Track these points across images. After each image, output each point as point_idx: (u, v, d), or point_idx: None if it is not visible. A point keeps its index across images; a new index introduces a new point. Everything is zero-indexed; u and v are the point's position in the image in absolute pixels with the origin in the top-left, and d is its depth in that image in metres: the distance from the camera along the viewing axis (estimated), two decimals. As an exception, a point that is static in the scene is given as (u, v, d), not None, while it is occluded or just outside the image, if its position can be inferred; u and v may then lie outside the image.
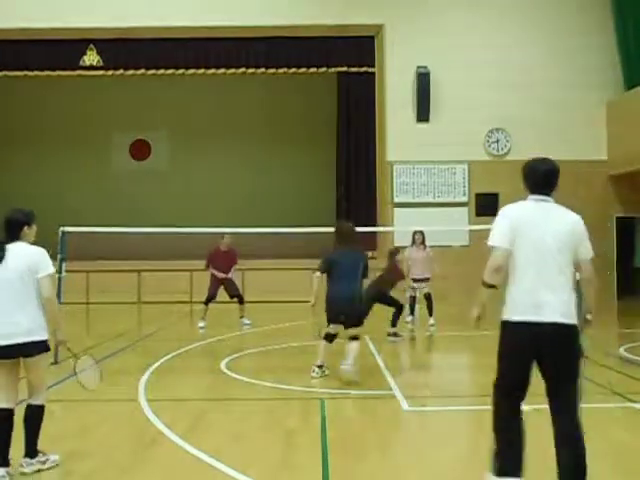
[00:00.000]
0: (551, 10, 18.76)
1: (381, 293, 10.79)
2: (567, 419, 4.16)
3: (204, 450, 5.38)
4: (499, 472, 4.22)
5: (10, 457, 4.82)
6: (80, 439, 5.41)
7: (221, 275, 13.19)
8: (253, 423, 6.37)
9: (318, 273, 7.80)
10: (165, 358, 9.67)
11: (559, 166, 4.43)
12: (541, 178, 4.37)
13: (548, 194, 4.35)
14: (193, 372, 8.83)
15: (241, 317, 13.37)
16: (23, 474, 4.87)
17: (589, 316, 4.49)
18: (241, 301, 13.41)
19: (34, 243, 5.11)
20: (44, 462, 4.97)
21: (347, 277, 7.73)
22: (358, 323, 7.88)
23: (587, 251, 4.32)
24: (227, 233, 12.99)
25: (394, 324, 11.22)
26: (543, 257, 4.22)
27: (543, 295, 4.17)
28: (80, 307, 16.95)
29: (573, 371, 4.18)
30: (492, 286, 4.29)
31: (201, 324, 13.12)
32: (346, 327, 7.83)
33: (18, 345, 4.81)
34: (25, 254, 4.94)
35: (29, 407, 4.97)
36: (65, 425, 5.83)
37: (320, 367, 8.00)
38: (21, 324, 4.82)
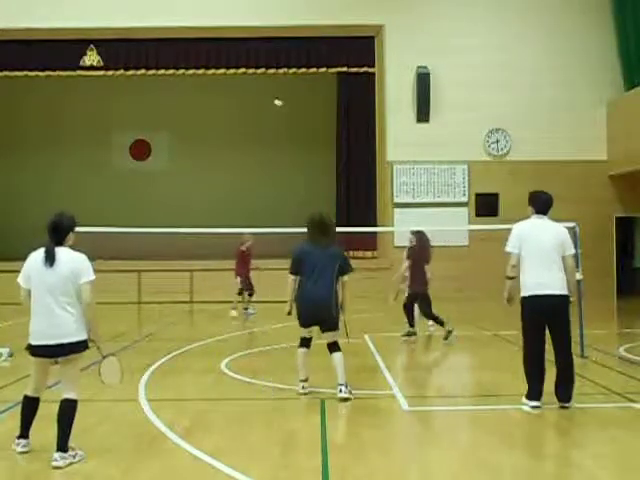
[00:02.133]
0: (551, 10, 18.77)
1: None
2: (563, 354, 6.60)
3: (204, 450, 5.39)
4: (527, 396, 6.58)
5: (30, 432, 5.33)
6: (80, 439, 5.41)
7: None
8: (253, 423, 6.37)
9: (292, 276, 7.20)
10: (165, 358, 9.68)
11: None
12: (542, 204, 6.81)
13: (545, 214, 6.80)
14: (193, 372, 8.82)
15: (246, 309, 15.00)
16: (56, 468, 5.00)
17: (572, 298, 6.74)
18: (241, 293, 14.98)
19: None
20: (74, 456, 5.13)
21: (319, 276, 7.01)
22: (334, 327, 7.13)
23: (568, 248, 6.70)
24: (247, 233, 14.00)
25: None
26: (542, 254, 6.58)
27: (543, 278, 6.54)
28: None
29: (565, 323, 6.64)
30: (511, 277, 6.70)
31: (251, 311, 15.03)
32: (322, 331, 7.19)
33: (59, 345, 5.08)
34: (70, 259, 5.13)
35: (63, 401, 5.16)
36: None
37: (306, 380, 7.26)
38: (62, 326, 5.08)
